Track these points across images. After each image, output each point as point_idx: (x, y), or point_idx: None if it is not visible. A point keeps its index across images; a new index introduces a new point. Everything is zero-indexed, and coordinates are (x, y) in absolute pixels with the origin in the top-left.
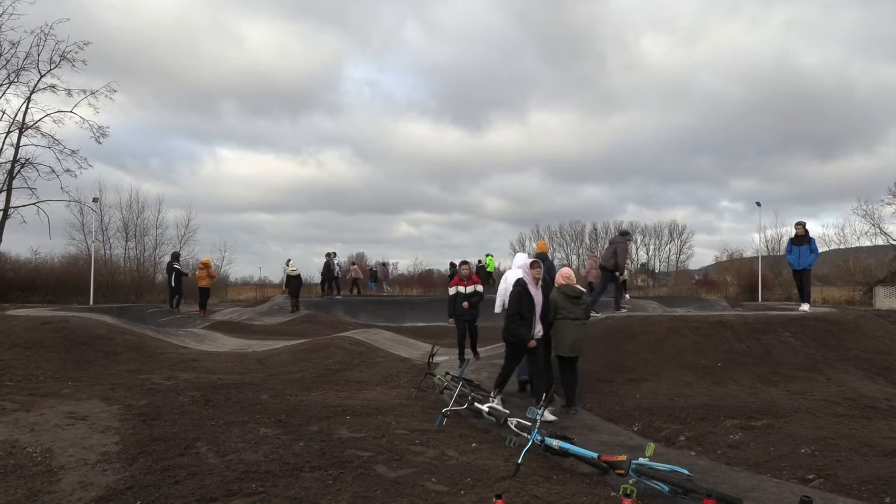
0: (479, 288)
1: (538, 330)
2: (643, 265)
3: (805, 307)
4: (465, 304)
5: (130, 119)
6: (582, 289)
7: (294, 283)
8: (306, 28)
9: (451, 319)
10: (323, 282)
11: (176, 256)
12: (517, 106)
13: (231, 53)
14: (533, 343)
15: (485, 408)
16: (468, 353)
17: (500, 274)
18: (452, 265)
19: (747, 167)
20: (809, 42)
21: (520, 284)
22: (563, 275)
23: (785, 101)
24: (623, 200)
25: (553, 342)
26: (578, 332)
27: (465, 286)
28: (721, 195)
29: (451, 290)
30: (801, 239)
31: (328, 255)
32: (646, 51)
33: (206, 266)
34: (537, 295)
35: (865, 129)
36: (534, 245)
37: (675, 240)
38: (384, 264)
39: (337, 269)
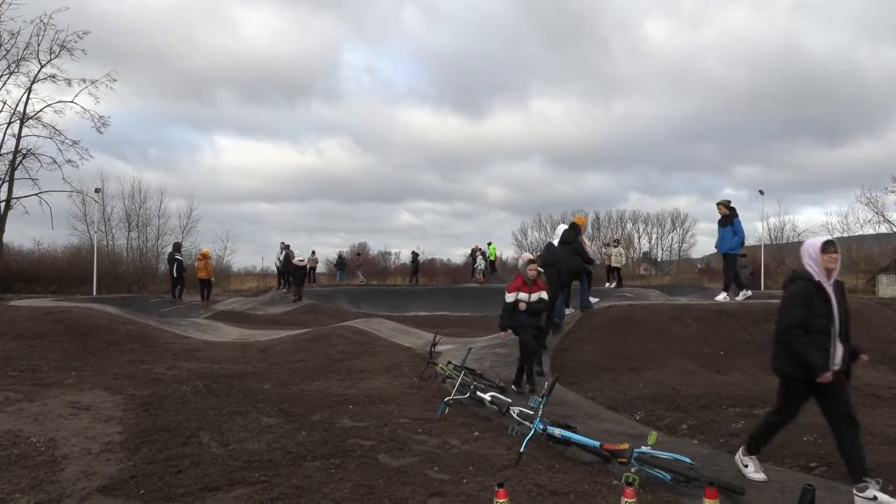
0: (545, 295)
1: (839, 357)
2: (645, 254)
3: (720, 297)
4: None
5: (127, 107)
6: (538, 269)
7: (300, 273)
8: (301, 13)
9: (503, 333)
10: (282, 274)
11: (178, 247)
12: (518, 92)
13: (226, 40)
14: (828, 377)
15: (487, 397)
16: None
17: (503, 264)
18: (475, 252)
19: (751, 154)
20: (816, 25)
21: (805, 278)
22: (524, 258)
23: (790, 87)
24: (626, 189)
25: None
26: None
27: (530, 292)
28: (724, 183)
29: (510, 297)
30: (725, 220)
31: (286, 247)
32: (649, 35)
33: (204, 257)
34: (833, 294)
35: (873, 115)
36: (536, 234)
37: (678, 228)
38: (358, 254)
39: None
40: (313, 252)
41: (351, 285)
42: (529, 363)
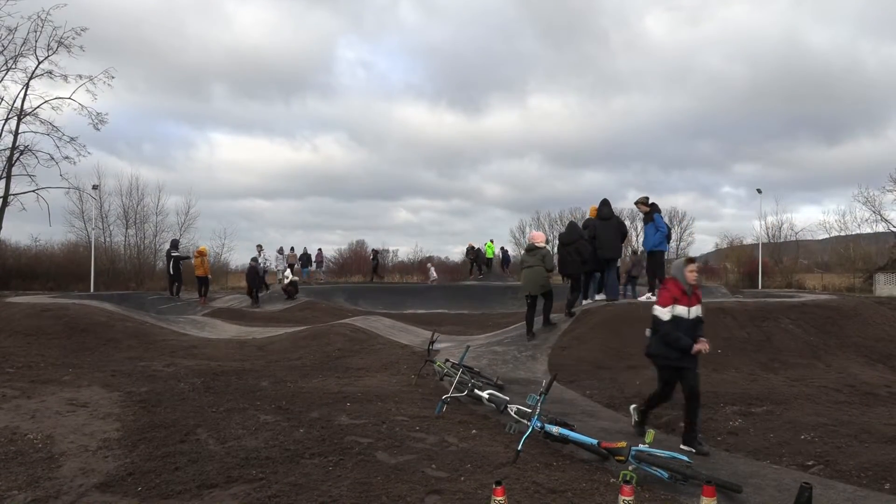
0: (700, 311)
1: None
2: (642, 252)
3: (643, 297)
4: (702, 346)
5: (121, 103)
6: (539, 245)
7: (257, 278)
8: (296, 6)
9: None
10: (251, 289)
11: (175, 244)
12: (516, 89)
13: (219, 33)
14: None
15: (485, 394)
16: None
17: (500, 260)
18: (471, 249)
19: (751, 152)
20: (818, 21)
21: None
22: (534, 236)
23: (791, 83)
24: (624, 186)
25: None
26: (530, 276)
27: (689, 305)
28: (723, 181)
29: (664, 313)
30: (646, 217)
31: (256, 255)
32: (649, 30)
33: (201, 254)
34: None
35: (873, 113)
36: (534, 230)
37: (676, 227)
38: (319, 250)
39: (262, 269)
40: (292, 248)
41: (328, 282)
42: (695, 413)
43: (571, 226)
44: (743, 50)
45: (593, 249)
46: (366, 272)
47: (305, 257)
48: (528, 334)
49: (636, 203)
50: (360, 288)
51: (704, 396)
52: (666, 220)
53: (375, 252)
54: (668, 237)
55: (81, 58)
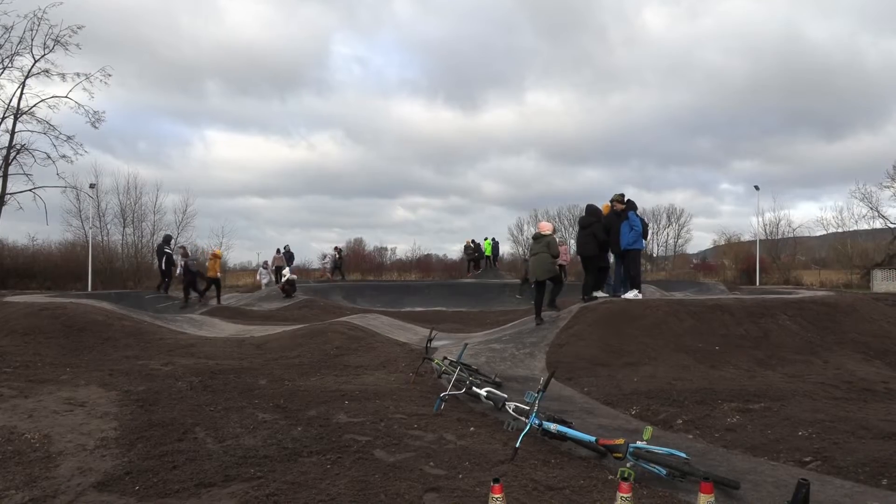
0: None
1: None
2: None
3: (630, 294)
4: None
5: (114, 100)
6: (545, 233)
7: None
8: (289, 1)
9: None
10: (187, 285)
11: (168, 239)
12: (513, 85)
13: (212, 29)
14: None
15: (483, 392)
16: None
17: (496, 258)
18: (470, 245)
19: (749, 148)
20: (817, 15)
21: None
22: (540, 226)
23: (791, 78)
24: (622, 183)
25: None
26: (535, 262)
27: None
28: (722, 177)
29: None
30: (621, 216)
31: (183, 253)
32: (647, 24)
33: (216, 257)
34: None
35: (872, 108)
36: (533, 230)
37: (674, 224)
38: (286, 247)
39: (193, 264)
40: (278, 250)
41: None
42: None
43: (590, 208)
44: (742, 45)
45: (607, 241)
46: (362, 271)
47: (289, 255)
48: (536, 317)
49: (611, 200)
50: (358, 286)
51: (702, 393)
52: (664, 217)
53: (339, 250)
54: (645, 234)
55: (76, 56)
